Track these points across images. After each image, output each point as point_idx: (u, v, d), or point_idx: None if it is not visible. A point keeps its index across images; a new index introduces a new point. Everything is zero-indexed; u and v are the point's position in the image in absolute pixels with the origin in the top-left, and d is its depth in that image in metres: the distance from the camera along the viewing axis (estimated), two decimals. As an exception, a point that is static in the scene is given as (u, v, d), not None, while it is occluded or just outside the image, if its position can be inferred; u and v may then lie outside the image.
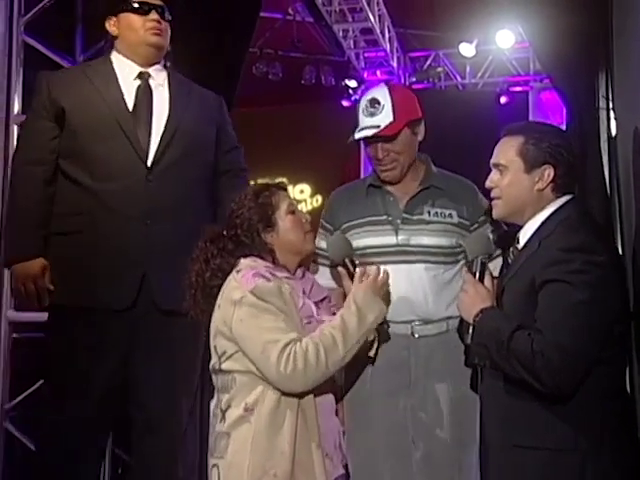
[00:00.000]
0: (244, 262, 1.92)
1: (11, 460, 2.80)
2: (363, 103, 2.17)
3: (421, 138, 2.21)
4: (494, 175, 1.85)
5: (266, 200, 1.96)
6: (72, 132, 2.29)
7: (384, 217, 2.17)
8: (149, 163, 2.31)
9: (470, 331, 1.80)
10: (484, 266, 1.89)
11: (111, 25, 2.42)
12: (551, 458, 1.66)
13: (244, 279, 1.86)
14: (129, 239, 2.27)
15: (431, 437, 2.10)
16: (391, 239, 2.15)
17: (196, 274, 1.95)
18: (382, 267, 2.03)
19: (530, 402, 1.69)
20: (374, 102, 2.14)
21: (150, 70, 2.42)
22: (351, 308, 1.87)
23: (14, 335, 2.89)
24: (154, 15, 2.38)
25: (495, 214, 1.89)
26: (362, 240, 2.16)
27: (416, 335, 2.12)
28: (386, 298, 1.95)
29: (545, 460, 1.66)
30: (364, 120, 2.15)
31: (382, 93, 2.16)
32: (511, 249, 1.89)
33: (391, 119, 2.11)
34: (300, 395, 1.83)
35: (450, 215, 2.17)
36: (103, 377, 2.29)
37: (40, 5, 3.00)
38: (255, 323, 1.82)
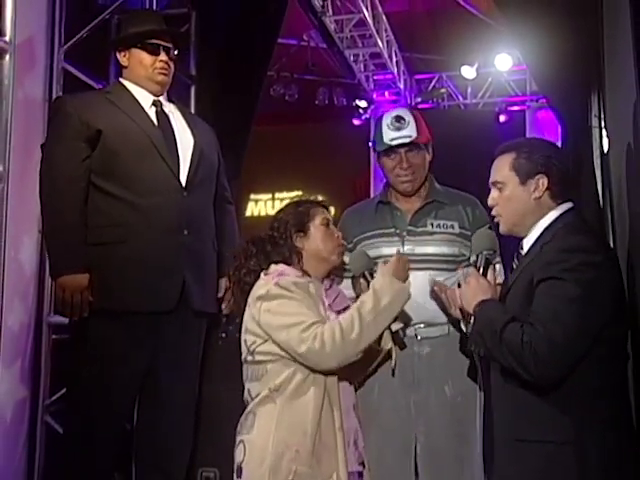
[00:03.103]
0: (274, 267, 1.94)
1: (51, 450, 2.82)
2: (388, 120, 2.21)
3: (430, 159, 2.27)
4: (493, 193, 1.85)
5: (304, 209, 2.01)
6: (110, 152, 2.32)
7: (392, 230, 2.21)
8: (183, 180, 2.37)
9: (471, 321, 1.79)
10: (487, 262, 1.89)
11: (122, 57, 2.47)
12: (554, 451, 1.63)
13: (267, 278, 1.91)
14: (169, 247, 2.33)
15: (433, 432, 2.09)
16: (397, 249, 2.16)
17: (235, 269, 1.99)
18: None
19: (532, 396, 1.66)
20: (399, 118, 2.20)
21: (160, 99, 2.48)
22: (369, 291, 1.89)
23: (53, 336, 2.92)
24: (163, 56, 2.43)
25: (501, 230, 1.88)
26: (372, 251, 2.18)
27: (419, 337, 2.14)
28: (406, 278, 1.94)
29: (548, 453, 1.64)
30: (391, 134, 2.19)
31: (405, 112, 2.25)
32: (515, 254, 1.89)
33: (416, 134, 2.19)
34: (325, 378, 1.83)
35: (452, 226, 2.19)
36: (135, 374, 2.34)
37: (78, 35, 3.03)
38: (281, 310, 1.84)
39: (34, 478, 2.78)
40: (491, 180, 1.85)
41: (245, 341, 1.92)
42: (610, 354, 1.67)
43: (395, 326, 1.95)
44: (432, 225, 2.19)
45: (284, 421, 1.80)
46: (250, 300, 1.92)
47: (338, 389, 1.85)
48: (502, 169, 1.82)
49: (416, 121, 2.20)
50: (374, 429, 2.08)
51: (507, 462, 1.72)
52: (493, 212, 1.86)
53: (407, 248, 2.17)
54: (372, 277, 2.01)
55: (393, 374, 2.08)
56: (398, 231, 2.19)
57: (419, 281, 2.12)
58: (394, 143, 2.18)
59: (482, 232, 2.03)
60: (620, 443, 1.65)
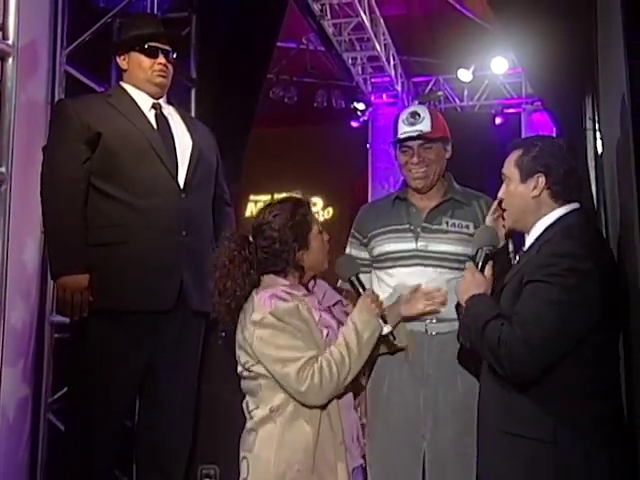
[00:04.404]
0: (265, 281, 1.90)
1: (53, 448, 2.82)
2: (404, 115, 2.22)
3: (448, 156, 2.25)
4: (503, 186, 1.88)
5: (302, 219, 1.93)
6: (109, 154, 2.32)
7: (406, 225, 2.20)
8: (181, 182, 2.38)
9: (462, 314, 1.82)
10: (487, 257, 1.88)
11: (122, 60, 2.49)
12: (536, 448, 1.64)
13: (262, 300, 1.85)
14: (168, 248, 2.33)
15: (441, 429, 2.09)
16: (411, 245, 2.17)
17: (232, 281, 1.88)
18: (399, 270, 2.10)
19: (518, 394, 1.68)
20: (415, 114, 2.20)
21: (160, 101, 2.49)
22: (350, 326, 1.89)
23: (55, 335, 2.92)
24: (162, 59, 2.44)
25: (505, 224, 1.91)
26: (386, 246, 2.19)
27: (430, 332, 2.13)
28: (380, 314, 1.94)
29: (531, 449, 1.65)
30: (405, 128, 2.19)
31: (422, 108, 2.24)
32: (518, 252, 1.90)
33: (429, 129, 2.18)
34: None
35: (467, 226, 2.18)
36: (135, 373, 2.35)
37: (81, 39, 3.03)
38: (275, 342, 1.82)
39: (37, 475, 2.78)
40: (502, 171, 1.88)
41: (239, 357, 1.90)
42: (598, 359, 1.67)
43: (385, 330, 1.93)
44: (447, 224, 2.18)
45: (285, 441, 1.81)
46: (242, 317, 1.88)
47: (338, 405, 1.85)
48: (509, 164, 1.85)
49: (432, 117, 2.20)
50: (380, 424, 2.08)
51: (494, 453, 1.73)
52: (502, 205, 1.89)
53: (420, 244, 2.16)
54: (359, 282, 1.98)
55: (407, 360, 2.08)
56: (412, 227, 2.18)
57: (430, 278, 2.14)
58: (403, 136, 2.18)
59: (483, 228, 2.02)
60: (605, 446, 1.64)
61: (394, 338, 1.96)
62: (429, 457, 2.09)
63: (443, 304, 2.08)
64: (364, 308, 1.91)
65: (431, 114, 2.21)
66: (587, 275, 1.64)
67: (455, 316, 2.07)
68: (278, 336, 1.82)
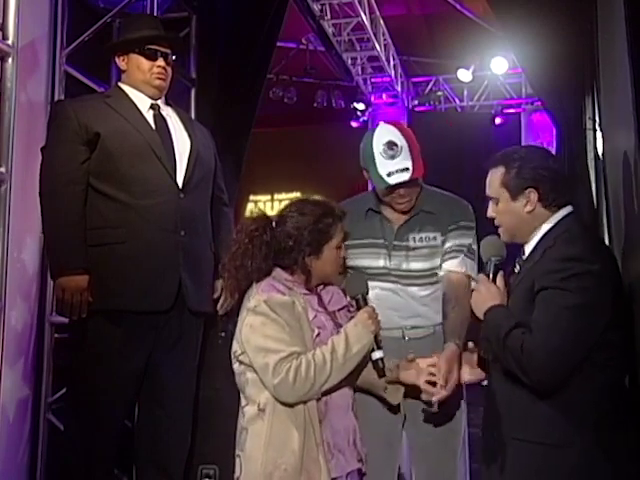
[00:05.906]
0: (272, 272, 1.90)
1: (53, 448, 2.82)
2: (379, 147, 2.07)
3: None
4: (491, 205, 1.86)
5: (325, 228, 1.91)
6: (108, 155, 2.32)
7: (381, 241, 2.18)
8: (180, 182, 2.38)
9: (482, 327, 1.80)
10: (497, 267, 1.87)
11: (121, 61, 2.48)
12: (547, 453, 1.64)
13: (260, 289, 1.86)
14: (166, 248, 2.33)
15: (424, 425, 2.11)
16: (384, 263, 2.16)
17: (251, 260, 1.87)
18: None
19: (530, 398, 1.67)
20: (391, 145, 2.07)
21: (158, 102, 2.49)
22: (341, 335, 1.88)
23: (55, 335, 2.91)
24: (161, 62, 2.44)
25: (502, 239, 1.89)
26: (359, 260, 2.17)
27: (406, 338, 2.16)
28: (375, 332, 1.93)
29: (541, 454, 1.64)
30: (387, 163, 2.06)
31: (394, 133, 2.09)
32: (517, 260, 1.89)
33: (410, 161, 2.06)
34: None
35: (434, 238, 2.17)
36: (134, 372, 2.35)
37: (80, 39, 3.02)
38: (262, 331, 1.82)
39: (37, 475, 2.78)
40: (486, 193, 1.86)
41: (232, 346, 1.91)
42: (606, 358, 1.67)
43: (376, 355, 1.93)
44: (414, 240, 2.16)
45: (273, 441, 1.81)
46: (243, 304, 1.89)
47: (316, 405, 1.84)
48: (493, 184, 1.83)
49: (407, 140, 2.08)
50: (364, 427, 2.07)
51: (504, 458, 1.73)
52: (495, 222, 1.87)
53: (393, 263, 2.16)
54: (365, 302, 1.96)
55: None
56: (387, 243, 2.17)
57: (405, 293, 2.17)
58: (393, 182, 2.06)
59: (490, 239, 1.97)
60: (622, 445, 1.63)
61: (383, 365, 1.95)
62: (417, 453, 2.12)
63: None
64: (360, 322, 1.91)
65: (404, 135, 2.08)
66: (597, 276, 1.64)
67: (431, 323, 2.14)
68: (268, 325, 1.82)
